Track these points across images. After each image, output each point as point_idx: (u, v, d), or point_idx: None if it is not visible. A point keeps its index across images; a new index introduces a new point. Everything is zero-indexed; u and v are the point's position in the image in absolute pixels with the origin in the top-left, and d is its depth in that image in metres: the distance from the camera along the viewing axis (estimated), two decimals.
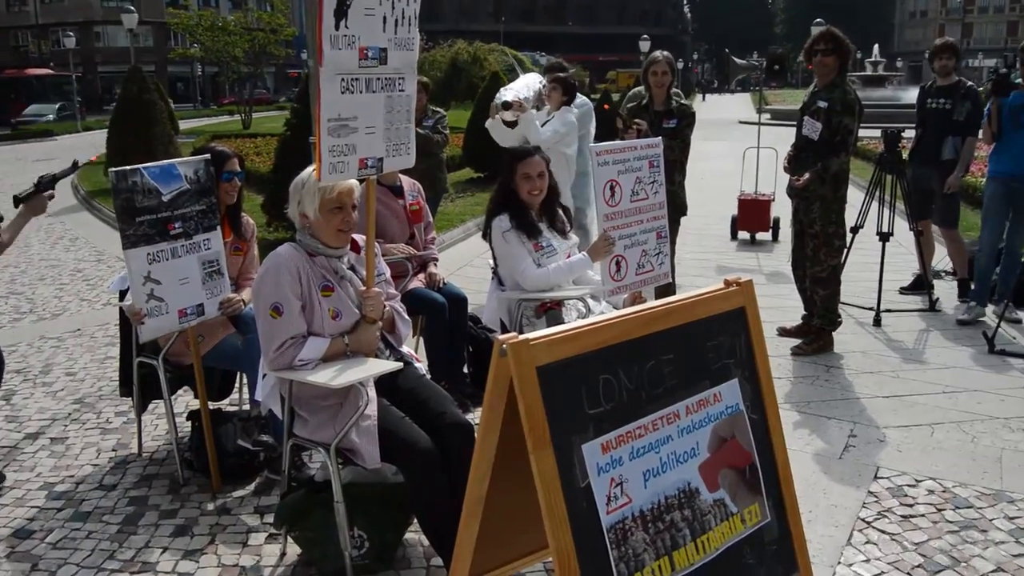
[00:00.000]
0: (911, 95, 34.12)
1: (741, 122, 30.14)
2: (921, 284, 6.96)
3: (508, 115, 5.93)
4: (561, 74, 6.51)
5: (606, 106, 9.27)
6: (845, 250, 5.70)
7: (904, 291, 7.13)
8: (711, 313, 2.02)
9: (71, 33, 41.55)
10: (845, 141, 5.29)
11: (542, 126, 6.07)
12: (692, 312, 1.98)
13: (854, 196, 6.69)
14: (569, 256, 4.25)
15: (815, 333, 5.70)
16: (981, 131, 6.26)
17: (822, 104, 5.31)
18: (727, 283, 2.10)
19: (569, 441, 1.73)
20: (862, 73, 40.87)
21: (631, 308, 1.94)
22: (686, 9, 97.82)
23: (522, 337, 1.70)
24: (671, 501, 1.88)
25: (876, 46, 47.74)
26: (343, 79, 2.86)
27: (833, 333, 5.74)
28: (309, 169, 3.11)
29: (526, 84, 6.25)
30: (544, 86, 6.29)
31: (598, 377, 1.80)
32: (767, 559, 2.04)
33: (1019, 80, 5.90)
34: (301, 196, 3.13)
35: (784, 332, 5.94)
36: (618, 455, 1.80)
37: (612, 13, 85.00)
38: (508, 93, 6.03)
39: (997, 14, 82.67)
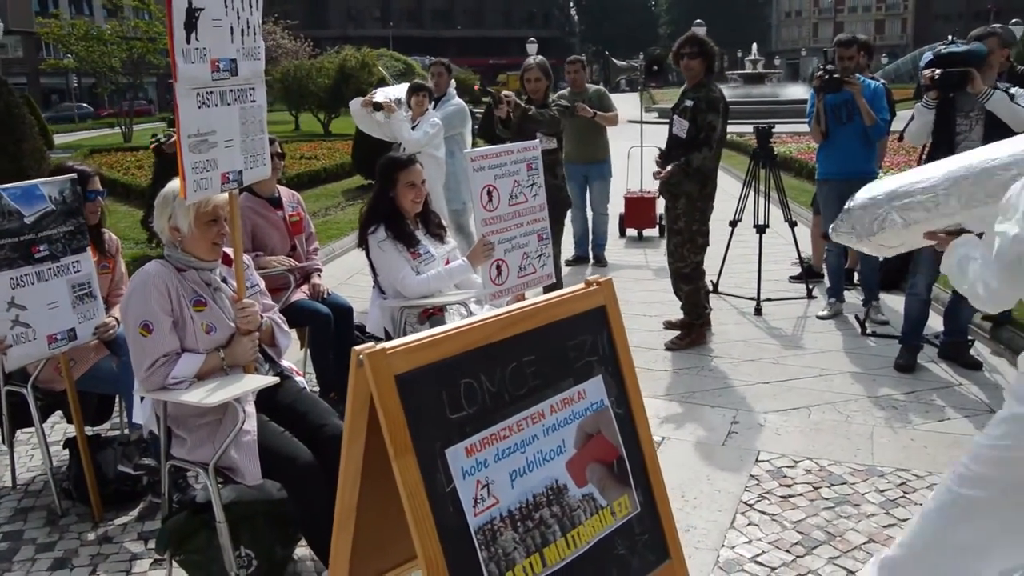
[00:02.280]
0: (790, 91, 35.37)
1: (631, 121, 30.66)
2: (812, 273, 7.23)
3: (379, 116, 6.02)
4: (428, 84, 6.65)
5: (476, 87, 9.45)
6: (707, 247, 5.72)
7: (794, 279, 7.38)
8: (572, 313, 2.06)
9: None
10: (709, 137, 5.39)
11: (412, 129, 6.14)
12: (553, 313, 2.02)
13: (735, 189, 6.96)
14: (448, 261, 4.25)
15: (686, 327, 5.84)
16: (810, 130, 6.31)
17: (689, 103, 5.45)
18: (587, 283, 2.16)
19: (432, 447, 1.75)
20: (742, 71, 42.30)
21: (491, 312, 1.97)
22: (572, 11, 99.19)
23: (379, 347, 1.71)
24: (539, 499, 1.92)
25: (755, 45, 49.52)
26: (198, 93, 2.80)
27: (716, 323, 5.92)
28: (176, 182, 3.04)
29: (402, 88, 6.35)
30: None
31: (459, 382, 1.82)
32: (639, 548, 2.11)
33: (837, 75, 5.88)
34: (173, 210, 3.06)
35: (670, 325, 6.07)
36: (483, 457, 1.83)
37: (500, 16, 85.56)
38: (379, 95, 6.13)
39: (865, 13, 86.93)
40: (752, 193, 6.92)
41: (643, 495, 2.14)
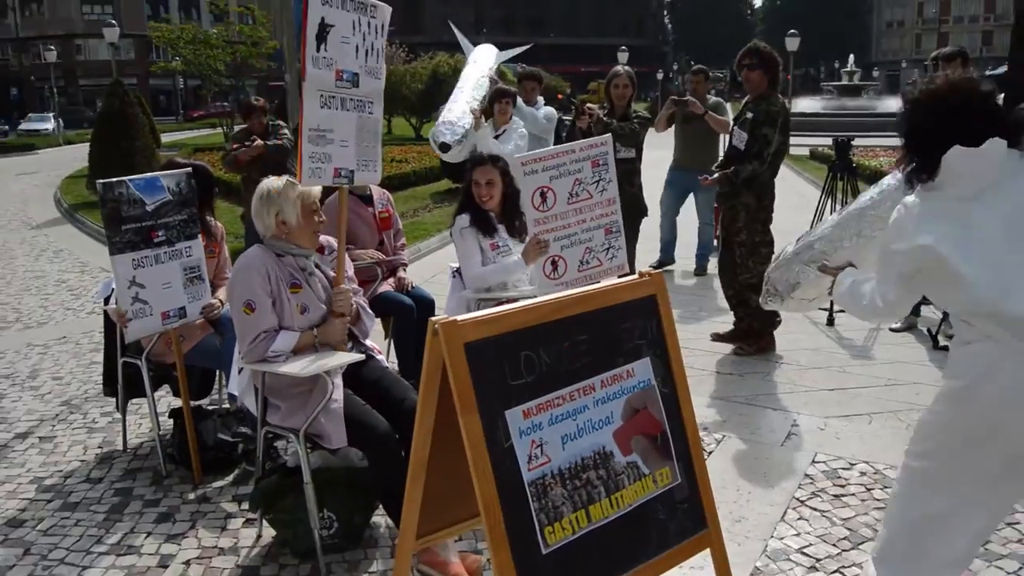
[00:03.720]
0: (887, 104, 34.31)
1: None
2: None
3: (451, 153, 6.14)
4: (512, 89, 6.89)
5: (559, 95, 9.66)
6: (774, 256, 5.78)
7: None
8: (624, 300, 2.32)
9: (52, 47, 41.63)
10: (761, 151, 5.42)
11: (496, 138, 6.40)
12: (606, 299, 2.28)
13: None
14: None
15: (756, 335, 5.89)
16: None
17: (749, 115, 5.51)
18: (640, 275, 2.41)
19: (493, 407, 2.02)
20: (838, 83, 41.52)
21: (550, 296, 2.24)
22: (667, 20, 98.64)
23: (451, 318, 1.99)
24: (587, 462, 2.17)
25: (852, 56, 48.51)
26: (322, 95, 3.28)
27: (787, 331, 6.01)
28: (275, 181, 3.39)
29: (468, 100, 6.50)
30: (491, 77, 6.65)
31: (519, 353, 2.09)
32: (678, 516, 2.33)
33: None
34: (281, 206, 3.39)
35: (717, 337, 6.05)
36: (538, 421, 2.09)
37: (592, 24, 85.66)
38: (446, 132, 6.19)
39: (972, 23, 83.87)
40: (830, 204, 6.98)
41: (684, 469, 2.37)
